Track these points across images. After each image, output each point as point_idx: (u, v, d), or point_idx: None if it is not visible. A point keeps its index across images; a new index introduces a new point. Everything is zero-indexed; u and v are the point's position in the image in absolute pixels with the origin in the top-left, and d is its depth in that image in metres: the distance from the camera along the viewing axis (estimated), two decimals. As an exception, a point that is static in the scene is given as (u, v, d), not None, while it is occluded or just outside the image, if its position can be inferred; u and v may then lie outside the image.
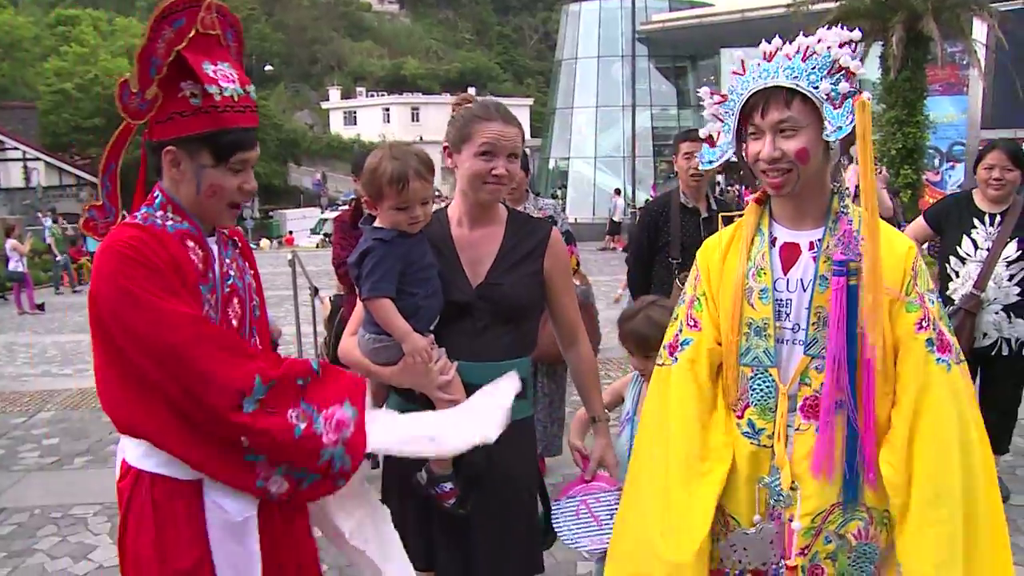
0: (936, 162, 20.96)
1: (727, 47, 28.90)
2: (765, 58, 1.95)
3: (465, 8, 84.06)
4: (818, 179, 1.96)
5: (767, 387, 1.98)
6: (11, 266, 16.54)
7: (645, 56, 34.07)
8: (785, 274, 1.98)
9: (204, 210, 2.01)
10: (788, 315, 1.97)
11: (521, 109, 60.52)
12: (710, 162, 2.10)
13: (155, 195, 2.00)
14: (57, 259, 19.81)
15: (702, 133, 2.12)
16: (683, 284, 4.16)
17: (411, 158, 2.28)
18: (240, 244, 2.23)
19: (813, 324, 1.93)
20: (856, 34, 1.89)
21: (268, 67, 59.58)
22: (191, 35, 1.91)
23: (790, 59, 1.90)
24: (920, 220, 4.77)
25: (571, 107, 36.62)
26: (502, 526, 2.37)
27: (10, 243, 16.79)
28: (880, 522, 1.93)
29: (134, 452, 1.99)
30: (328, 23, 73.44)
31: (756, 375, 1.99)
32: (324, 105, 63.64)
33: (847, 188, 2.01)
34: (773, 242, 2.02)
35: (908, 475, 1.86)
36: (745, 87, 1.95)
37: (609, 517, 2.48)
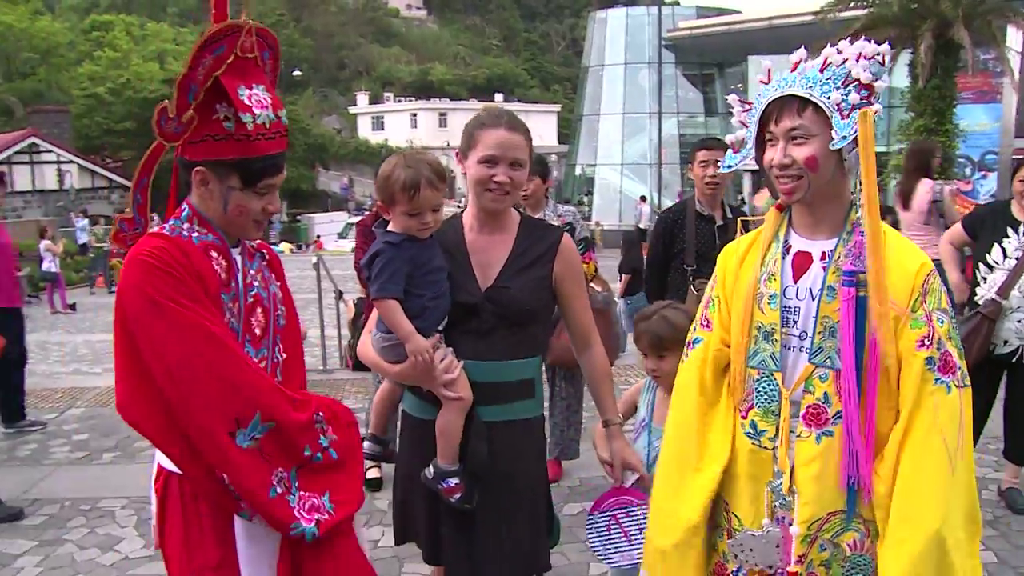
0: (968, 171, 20.73)
1: (754, 54, 28.80)
2: (791, 68, 2.00)
3: (492, 14, 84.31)
4: (833, 189, 1.99)
5: (771, 391, 2.02)
6: (44, 266, 16.81)
7: (672, 63, 34.03)
8: (795, 282, 2.02)
9: (230, 225, 2.08)
10: (796, 322, 2.00)
11: (548, 115, 60.58)
12: (729, 166, 2.15)
13: (183, 208, 2.07)
14: (103, 247, 20.19)
15: (728, 139, 2.16)
16: (698, 290, 4.24)
17: (424, 167, 2.35)
18: (268, 256, 2.29)
19: (819, 333, 1.96)
20: (884, 47, 1.91)
21: (296, 72, 60.01)
22: (230, 60, 1.95)
23: (809, 70, 1.95)
24: (958, 226, 4.86)
25: (598, 113, 36.65)
26: (506, 522, 2.43)
27: (44, 244, 17.07)
28: (876, 534, 1.95)
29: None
30: (356, 29, 73.94)
31: (761, 378, 2.04)
32: (352, 110, 64.07)
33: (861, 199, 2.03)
34: (787, 250, 2.06)
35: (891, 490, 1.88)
36: (766, 95, 2.00)
37: (639, 532, 2.51)
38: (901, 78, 17.88)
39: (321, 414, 2.06)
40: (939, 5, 16.36)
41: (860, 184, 1.95)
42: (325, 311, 8.99)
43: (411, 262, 2.37)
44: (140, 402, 1.91)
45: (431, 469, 2.40)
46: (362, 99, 64.12)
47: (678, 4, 37.45)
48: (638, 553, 2.45)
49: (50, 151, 27.96)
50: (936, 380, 1.86)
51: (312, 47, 68.72)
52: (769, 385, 2.02)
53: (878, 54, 1.90)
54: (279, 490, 1.93)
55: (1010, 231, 4.43)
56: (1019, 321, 4.35)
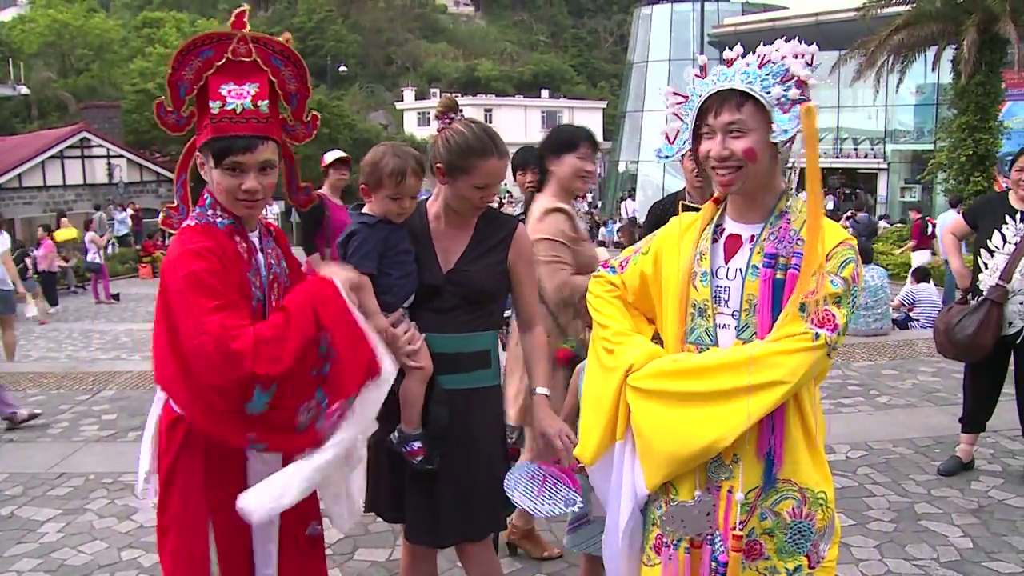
0: (1014, 169, 20.30)
1: (799, 51, 28.47)
2: (727, 64, 2.09)
3: (540, 10, 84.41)
4: (766, 179, 2.08)
5: None
6: (89, 258, 17.32)
7: (717, 60, 33.55)
8: (727, 263, 2.11)
9: (224, 204, 2.27)
10: (727, 301, 2.09)
11: (594, 112, 60.45)
12: (666, 157, 2.24)
13: (205, 196, 2.30)
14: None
15: (660, 131, 2.26)
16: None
17: (410, 158, 2.59)
18: (275, 233, 2.49)
19: (745, 311, 2.05)
20: (813, 48, 2.00)
21: (342, 68, 60.50)
22: (221, 63, 2.21)
23: (748, 66, 2.04)
24: (959, 218, 5.16)
25: (641, 110, 36.55)
26: (465, 483, 2.61)
27: (89, 235, 17.58)
28: (815, 502, 2.03)
29: None
30: (404, 25, 74.54)
31: (699, 353, 2.11)
32: (399, 106, 64.37)
33: (792, 190, 2.12)
34: (721, 232, 2.16)
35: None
36: (705, 89, 2.09)
37: (550, 497, 2.56)
38: (944, 74, 17.61)
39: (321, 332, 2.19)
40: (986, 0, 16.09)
41: (792, 174, 2.04)
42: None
43: (384, 242, 2.57)
44: (165, 358, 2.14)
45: (396, 434, 2.58)
46: (408, 95, 64.40)
47: (724, 0, 37.09)
48: (533, 506, 2.54)
49: (101, 145, 28.53)
50: (808, 326, 1.92)
51: (360, 43, 69.32)
52: None
53: (807, 54, 2.00)
54: (305, 421, 2.13)
55: (1008, 218, 4.65)
56: (1021, 303, 4.54)
